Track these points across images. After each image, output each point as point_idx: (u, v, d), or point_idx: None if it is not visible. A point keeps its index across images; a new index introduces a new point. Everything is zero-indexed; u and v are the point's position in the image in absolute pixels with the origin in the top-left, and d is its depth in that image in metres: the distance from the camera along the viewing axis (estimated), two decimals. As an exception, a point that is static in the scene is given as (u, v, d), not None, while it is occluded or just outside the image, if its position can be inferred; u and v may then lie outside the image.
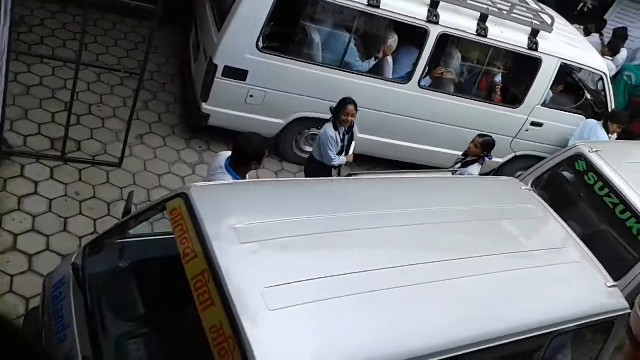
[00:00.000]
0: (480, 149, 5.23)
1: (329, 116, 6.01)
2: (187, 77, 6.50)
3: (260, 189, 3.44)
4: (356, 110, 5.10)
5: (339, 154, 5.28)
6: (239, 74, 5.71)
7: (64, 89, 5.97)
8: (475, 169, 5.22)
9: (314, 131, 6.26)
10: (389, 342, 2.74)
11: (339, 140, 5.19)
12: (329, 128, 5.17)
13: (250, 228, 2.97)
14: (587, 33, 9.08)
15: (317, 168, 5.30)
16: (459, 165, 5.38)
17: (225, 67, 5.63)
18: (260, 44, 5.59)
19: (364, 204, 3.45)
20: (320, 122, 6.14)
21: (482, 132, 5.43)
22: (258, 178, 4.50)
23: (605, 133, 6.57)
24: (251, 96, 5.84)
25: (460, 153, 5.62)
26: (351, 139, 5.41)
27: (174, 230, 3.01)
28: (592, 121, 6.81)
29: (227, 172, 3.81)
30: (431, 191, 3.95)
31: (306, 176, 5.68)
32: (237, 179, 3.80)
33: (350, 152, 5.54)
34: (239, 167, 3.86)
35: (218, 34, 5.64)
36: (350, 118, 5.10)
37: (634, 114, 7.73)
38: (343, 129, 5.21)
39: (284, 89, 5.87)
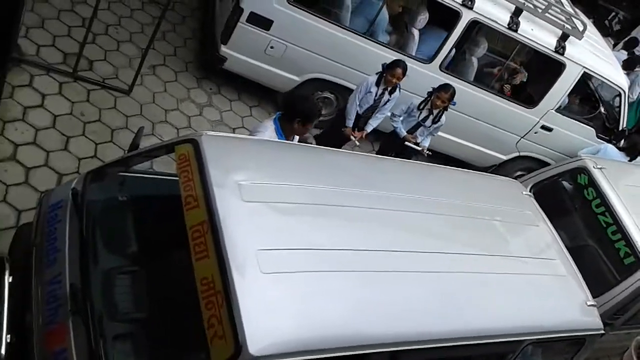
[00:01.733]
0: (448, 101, 5.47)
1: (344, 82, 6.02)
2: (209, 15, 6.37)
3: (273, 150, 3.42)
4: (404, 75, 5.33)
5: (367, 111, 5.48)
6: (264, 23, 5.60)
7: (83, 4, 5.83)
8: (444, 118, 5.61)
9: (326, 94, 6.21)
10: (364, 323, 2.78)
11: (373, 92, 5.41)
12: (371, 77, 5.43)
13: (256, 187, 2.97)
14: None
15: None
16: (429, 121, 5.59)
17: (251, 13, 5.52)
18: (291, -4, 5.48)
19: (373, 183, 3.44)
20: (335, 87, 6.11)
21: (442, 84, 5.57)
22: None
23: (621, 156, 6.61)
24: (271, 47, 5.75)
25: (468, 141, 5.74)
26: (380, 107, 5.52)
27: (179, 175, 3.00)
28: (613, 149, 6.77)
29: (274, 123, 3.95)
30: (437, 181, 3.96)
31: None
32: (279, 131, 3.92)
33: (367, 129, 5.60)
34: (285, 121, 3.98)
35: (249, -23, 5.49)
36: (394, 80, 5.31)
37: None
38: (383, 88, 5.39)
39: (305, 46, 5.78)
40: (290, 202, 3.03)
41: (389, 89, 5.41)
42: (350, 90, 5.81)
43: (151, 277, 3.22)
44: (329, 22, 5.72)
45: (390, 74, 5.28)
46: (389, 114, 5.64)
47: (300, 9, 5.57)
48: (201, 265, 2.65)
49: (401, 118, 5.67)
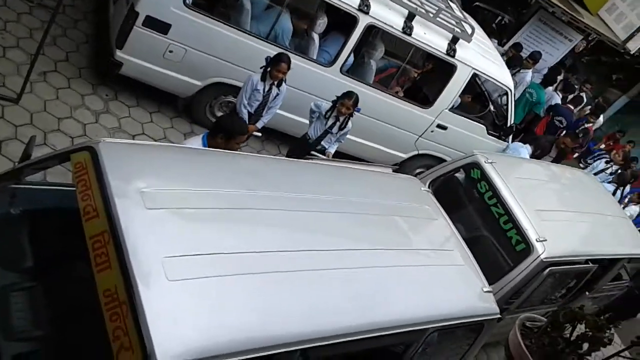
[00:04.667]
0: (352, 107, 5.60)
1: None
2: (103, 18, 6.15)
3: (177, 155, 3.37)
4: (289, 68, 5.36)
5: (258, 108, 5.49)
6: (161, 27, 5.49)
7: (-37, 8, 5.47)
8: (350, 124, 5.73)
9: (229, 98, 6.18)
10: (274, 324, 2.80)
11: (260, 89, 5.40)
12: (255, 74, 5.40)
13: (159, 194, 2.91)
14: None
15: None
16: (336, 128, 5.68)
17: (147, 16, 5.40)
18: (188, -1, 5.41)
19: (278, 185, 3.47)
20: (237, 90, 6.08)
21: (346, 92, 5.65)
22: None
23: (527, 153, 7.26)
24: (170, 51, 5.65)
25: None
26: (270, 102, 5.54)
27: (76, 185, 2.89)
28: (517, 144, 7.49)
29: (202, 139, 4.09)
30: (340, 181, 4.05)
31: None
32: (205, 143, 4.07)
33: (259, 125, 5.59)
34: (210, 133, 4.12)
35: (144, -21, 5.36)
36: (280, 74, 5.34)
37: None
38: (270, 83, 5.40)
39: (205, 50, 5.74)
40: (195, 207, 2.99)
41: (276, 82, 5.44)
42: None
43: (51, 292, 3.08)
44: (229, 25, 5.71)
45: (276, 69, 5.30)
46: (278, 110, 5.73)
47: (199, 12, 5.53)
48: (103, 277, 2.56)
49: (315, 115, 5.73)
